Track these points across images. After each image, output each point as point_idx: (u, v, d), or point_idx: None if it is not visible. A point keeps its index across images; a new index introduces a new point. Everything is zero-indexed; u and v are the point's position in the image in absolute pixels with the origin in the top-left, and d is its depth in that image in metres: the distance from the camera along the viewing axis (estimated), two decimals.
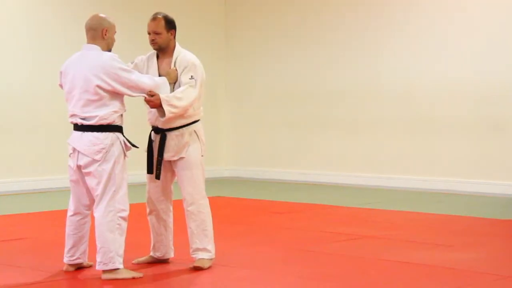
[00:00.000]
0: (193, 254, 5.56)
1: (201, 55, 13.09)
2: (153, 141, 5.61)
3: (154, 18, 5.68)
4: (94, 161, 5.22)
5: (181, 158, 5.51)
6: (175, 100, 5.36)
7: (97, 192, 5.23)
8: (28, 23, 10.99)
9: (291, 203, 9.53)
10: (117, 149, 5.27)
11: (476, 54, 10.46)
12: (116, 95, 5.26)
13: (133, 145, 5.40)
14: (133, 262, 5.67)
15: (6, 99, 10.70)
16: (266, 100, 12.61)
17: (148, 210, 5.69)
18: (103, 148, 5.22)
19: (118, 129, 5.29)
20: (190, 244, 5.58)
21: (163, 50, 5.60)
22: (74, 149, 5.32)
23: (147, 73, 5.56)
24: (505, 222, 7.93)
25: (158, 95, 5.31)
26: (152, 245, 5.68)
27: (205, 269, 5.47)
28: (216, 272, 5.50)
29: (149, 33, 5.63)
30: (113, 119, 5.26)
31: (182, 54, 5.61)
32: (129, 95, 5.29)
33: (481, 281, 5.22)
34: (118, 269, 5.19)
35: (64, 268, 5.47)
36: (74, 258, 5.44)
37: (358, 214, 8.60)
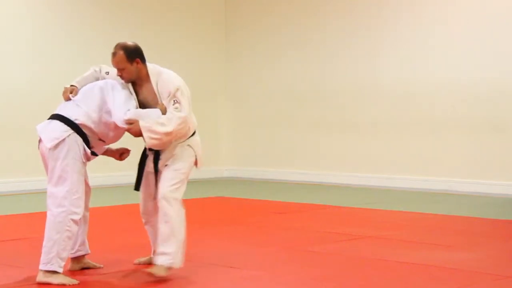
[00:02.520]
0: (154, 258, 5.35)
1: (201, 55, 13.26)
2: (147, 156, 5.44)
3: (113, 53, 5.27)
4: (48, 148, 5.20)
5: (167, 165, 5.32)
6: (157, 126, 5.07)
7: (51, 181, 5.18)
8: (30, 23, 10.99)
9: (291, 203, 9.53)
10: (73, 148, 5.17)
11: (476, 54, 10.46)
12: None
13: (94, 153, 5.29)
14: (135, 262, 5.66)
15: (7, 99, 10.70)
16: (266, 100, 12.61)
17: (144, 220, 5.60)
18: (56, 138, 5.16)
19: (82, 134, 5.21)
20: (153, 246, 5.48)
21: (136, 81, 5.29)
22: (40, 138, 5.30)
23: None
24: (505, 222, 7.93)
25: (137, 122, 5.08)
26: (152, 250, 5.63)
27: (160, 277, 5.13)
28: (216, 272, 5.50)
29: None
30: (83, 122, 5.20)
31: (161, 77, 5.25)
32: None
33: (481, 281, 5.22)
34: (56, 272, 5.10)
35: (69, 266, 5.45)
36: (74, 251, 5.42)
37: (358, 214, 8.60)
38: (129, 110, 5.17)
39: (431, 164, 10.87)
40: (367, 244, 6.64)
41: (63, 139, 5.18)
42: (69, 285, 5.09)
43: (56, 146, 5.19)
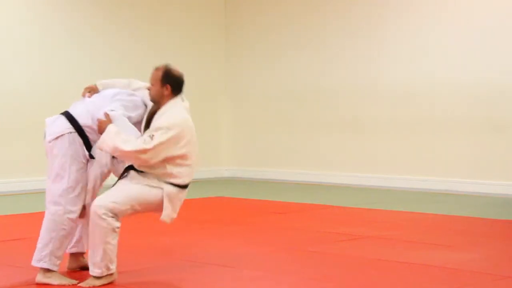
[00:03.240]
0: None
1: (201, 55, 13.26)
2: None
3: (155, 68, 5.33)
4: (47, 142, 5.22)
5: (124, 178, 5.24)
6: (118, 138, 4.99)
7: (50, 177, 5.17)
8: (30, 23, 10.98)
9: (291, 203, 9.53)
10: (72, 146, 5.16)
11: (476, 54, 10.46)
12: None
13: (92, 156, 5.26)
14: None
15: (7, 99, 10.70)
16: (266, 100, 12.61)
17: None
18: (56, 133, 5.19)
19: (83, 135, 5.22)
20: None
21: (156, 104, 5.28)
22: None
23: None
24: (505, 222, 7.93)
25: (110, 123, 5.08)
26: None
27: None
28: (216, 272, 5.50)
29: None
30: (86, 124, 5.21)
31: (167, 113, 5.18)
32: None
33: (481, 281, 5.22)
34: (50, 271, 5.10)
35: (67, 264, 5.45)
36: (70, 247, 5.41)
37: (358, 214, 8.60)
38: (113, 110, 5.17)
39: (431, 164, 10.87)
40: (367, 244, 6.65)
41: (62, 135, 5.18)
42: (69, 285, 5.09)
43: (56, 140, 5.19)
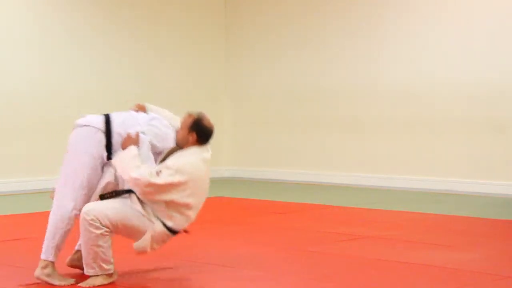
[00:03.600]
0: None
1: (201, 55, 13.24)
2: None
3: (188, 113, 5.37)
4: (73, 129, 5.34)
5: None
6: (133, 163, 5.02)
7: (62, 171, 5.26)
8: (31, 23, 10.98)
9: (291, 203, 9.53)
10: (92, 143, 5.19)
11: (476, 54, 10.46)
12: None
13: (109, 158, 5.24)
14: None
15: (7, 100, 10.70)
16: (266, 100, 12.61)
17: None
18: (85, 121, 5.28)
19: (109, 139, 5.25)
20: None
21: (179, 147, 5.29)
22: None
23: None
24: (505, 222, 7.93)
25: (134, 145, 5.15)
26: None
27: None
28: (216, 272, 5.50)
29: None
30: (117, 130, 5.25)
31: (183, 157, 5.16)
32: None
33: (481, 281, 5.22)
34: (49, 265, 5.12)
35: (69, 258, 5.45)
36: (79, 243, 5.43)
37: (358, 214, 8.60)
38: (144, 133, 5.25)
39: (431, 164, 10.87)
40: (367, 244, 6.65)
41: (89, 126, 5.19)
42: (68, 285, 5.10)
43: (81, 128, 5.22)
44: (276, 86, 12.53)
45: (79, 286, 5.07)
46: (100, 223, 4.99)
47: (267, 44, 12.58)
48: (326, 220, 8.13)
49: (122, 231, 5.11)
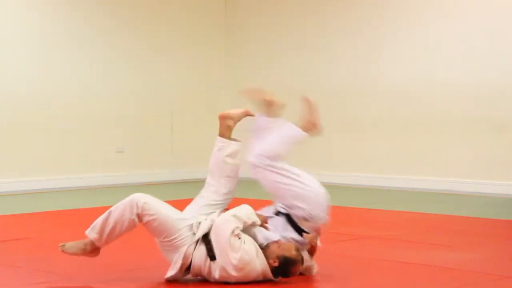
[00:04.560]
0: None
1: (201, 55, 13.22)
2: None
3: (298, 262, 5.09)
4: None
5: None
6: (241, 214, 5.22)
7: None
8: (30, 22, 10.99)
9: None
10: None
11: (476, 54, 10.46)
12: None
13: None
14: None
15: (7, 100, 10.70)
16: None
17: None
18: None
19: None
20: None
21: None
22: None
23: None
24: (505, 222, 7.93)
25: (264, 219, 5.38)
26: None
27: None
28: None
29: None
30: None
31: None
32: None
33: (481, 281, 5.22)
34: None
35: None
36: None
37: (358, 214, 8.60)
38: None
39: (431, 164, 10.87)
40: (367, 244, 6.64)
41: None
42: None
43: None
44: (276, 86, 12.50)
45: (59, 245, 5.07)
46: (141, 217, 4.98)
47: (267, 44, 12.58)
48: None
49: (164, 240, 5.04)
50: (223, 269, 4.90)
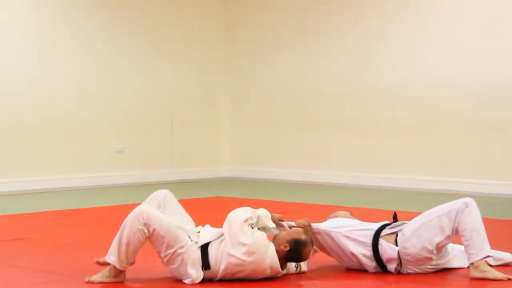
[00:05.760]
0: None
1: (201, 55, 13.21)
2: None
3: (307, 243, 5.16)
4: None
5: None
6: (245, 220, 5.12)
7: None
8: (31, 22, 10.98)
9: (291, 203, 9.53)
10: None
11: (476, 54, 10.46)
12: None
13: None
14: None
15: (7, 99, 10.70)
16: (266, 100, 12.62)
17: None
18: None
19: None
20: None
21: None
22: None
23: None
24: (506, 222, 7.93)
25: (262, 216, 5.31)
26: None
27: None
28: None
29: None
30: None
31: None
32: None
33: (481, 281, 5.21)
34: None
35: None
36: None
37: (358, 214, 8.58)
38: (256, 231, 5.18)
39: (431, 164, 10.87)
40: None
41: None
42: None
43: None
44: (276, 86, 12.53)
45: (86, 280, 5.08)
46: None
47: (267, 44, 12.58)
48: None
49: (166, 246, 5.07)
50: (232, 256, 4.94)
